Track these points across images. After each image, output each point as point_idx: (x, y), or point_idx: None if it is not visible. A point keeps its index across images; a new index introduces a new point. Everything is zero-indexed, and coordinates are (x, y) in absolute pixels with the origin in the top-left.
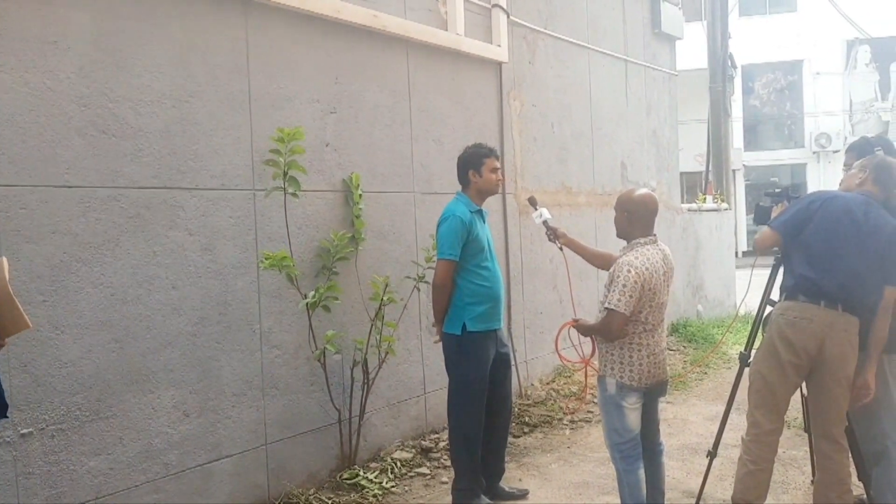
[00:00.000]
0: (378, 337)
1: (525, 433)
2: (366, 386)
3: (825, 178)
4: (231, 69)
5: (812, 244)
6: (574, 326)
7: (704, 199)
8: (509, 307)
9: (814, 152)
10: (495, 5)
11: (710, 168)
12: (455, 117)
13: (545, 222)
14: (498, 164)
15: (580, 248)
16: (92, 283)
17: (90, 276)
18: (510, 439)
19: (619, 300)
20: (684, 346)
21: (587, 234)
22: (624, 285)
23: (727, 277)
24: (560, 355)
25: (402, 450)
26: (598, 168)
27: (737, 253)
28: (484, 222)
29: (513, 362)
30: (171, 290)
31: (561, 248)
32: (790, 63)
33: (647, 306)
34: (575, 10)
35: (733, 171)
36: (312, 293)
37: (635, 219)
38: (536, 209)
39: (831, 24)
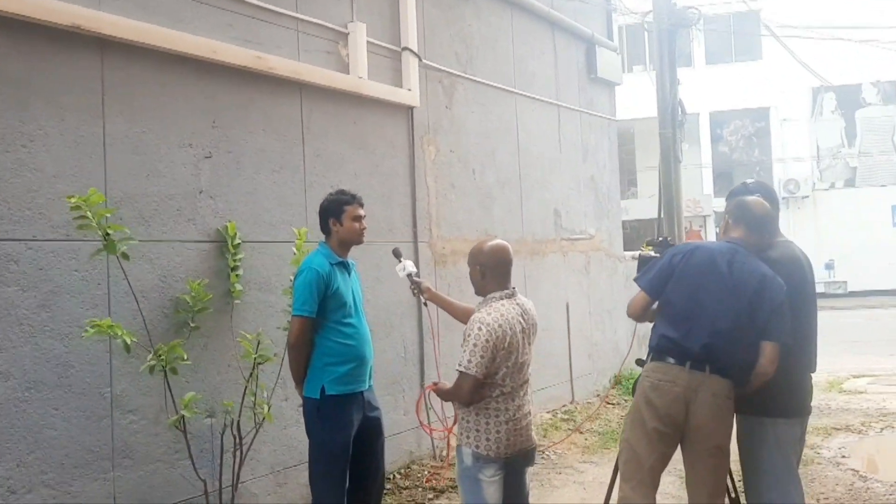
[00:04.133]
0: (253, 399)
1: (431, 499)
2: (239, 453)
3: (795, 223)
4: (81, 111)
5: (674, 301)
6: (434, 390)
7: (650, 248)
8: (422, 362)
9: (783, 198)
10: (405, 48)
11: (662, 215)
12: (357, 163)
13: (409, 275)
14: (361, 212)
15: (446, 303)
16: None
17: None
18: None
19: (469, 361)
20: (625, 400)
21: (515, 284)
22: (475, 345)
23: None
24: (421, 423)
25: None
26: (528, 215)
27: None
28: (349, 275)
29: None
30: None
31: (425, 304)
32: (757, 110)
33: (504, 367)
34: (498, 54)
35: (704, 217)
36: (150, 356)
37: (488, 272)
38: (400, 261)
39: (797, 72)
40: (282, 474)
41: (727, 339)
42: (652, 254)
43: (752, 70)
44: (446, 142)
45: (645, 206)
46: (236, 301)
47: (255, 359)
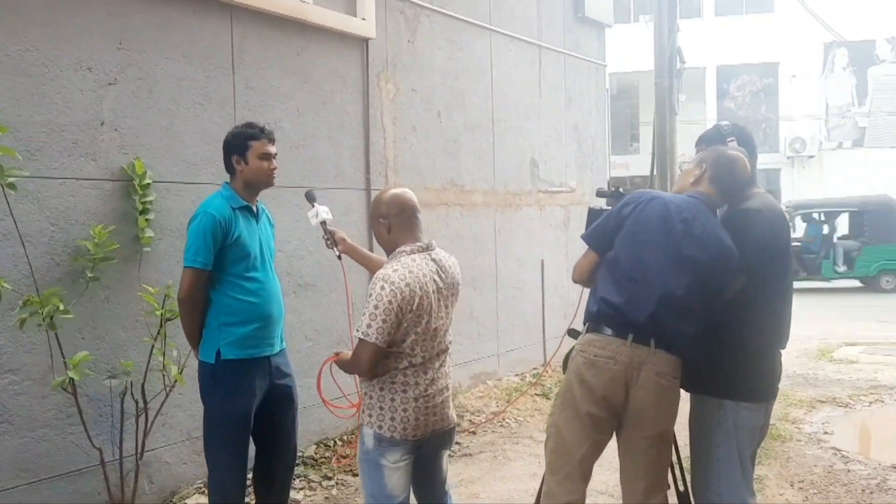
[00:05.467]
0: (162, 359)
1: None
2: (144, 418)
3: (800, 183)
4: None
5: (619, 260)
6: (335, 361)
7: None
8: None
9: (788, 157)
10: None
11: (655, 171)
12: (300, 98)
13: (323, 223)
14: (271, 149)
15: (363, 257)
16: None
17: None
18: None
19: (368, 327)
20: None
21: (484, 238)
22: (375, 307)
23: None
24: (324, 399)
25: (203, 493)
26: (501, 164)
27: None
28: (257, 221)
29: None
30: None
31: (339, 257)
32: (766, 65)
33: (412, 333)
34: None
35: None
36: (18, 308)
37: (394, 224)
38: (313, 206)
39: (809, 26)
40: (199, 441)
41: (677, 308)
42: (604, 206)
43: (763, 23)
44: (407, 80)
45: (647, 162)
46: (146, 249)
47: (161, 314)
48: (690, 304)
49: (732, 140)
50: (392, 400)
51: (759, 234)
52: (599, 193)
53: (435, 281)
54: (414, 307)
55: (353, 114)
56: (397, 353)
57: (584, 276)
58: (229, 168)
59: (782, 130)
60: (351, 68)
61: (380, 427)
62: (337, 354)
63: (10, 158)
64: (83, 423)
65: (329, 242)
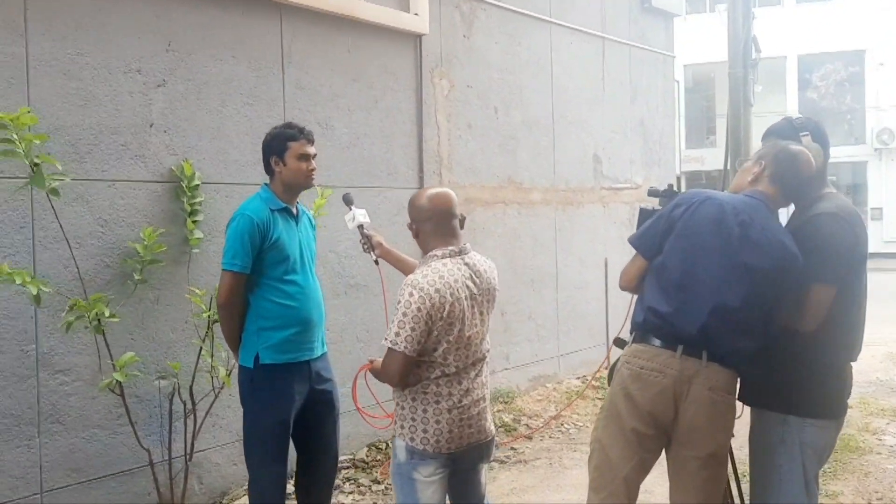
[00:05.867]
0: (210, 361)
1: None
2: (193, 419)
3: (888, 177)
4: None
5: (669, 265)
6: (370, 370)
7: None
8: None
9: (875, 149)
10: None
11: (729, 166)
12: (351, 97)
13: (360, 227)
14: (310, 150)
15: (400, 263)
16: None
17: None
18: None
19: (397, 335)
20: None
21: (543, 236)
22: (404, 314)
23: None
24: (358, 408)
25: None
26: (562, 160)
27: None
28: (296, 223)
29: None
30: None
31: (377, 262)
32: (851, 53)
33: (444, 341)
34: None
35: None
36: (66, 311)
37: (428, 227)
38: (350, 209)
39: None
40: None
41: (732, 321)
42: (656, 207)
43: (848, 9)
44: (463, 75)
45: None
46: (195, 250)
47: (208, 316)
48: (747, 317)
49: (807, 135)
50: (424, 411)
51: (841, 242)
52: (651, 193)
53: (468, 286)
54: (444, 314)
55: (405, 111)
56: (429, 362)
57: (632, 283)
58: (268, 169)
59: (869, 121)
60: (403, 65)
61: (412, 439)
62: (371, 362)
63: (50, 165)
64: (131, 423)
65: (366, 247)
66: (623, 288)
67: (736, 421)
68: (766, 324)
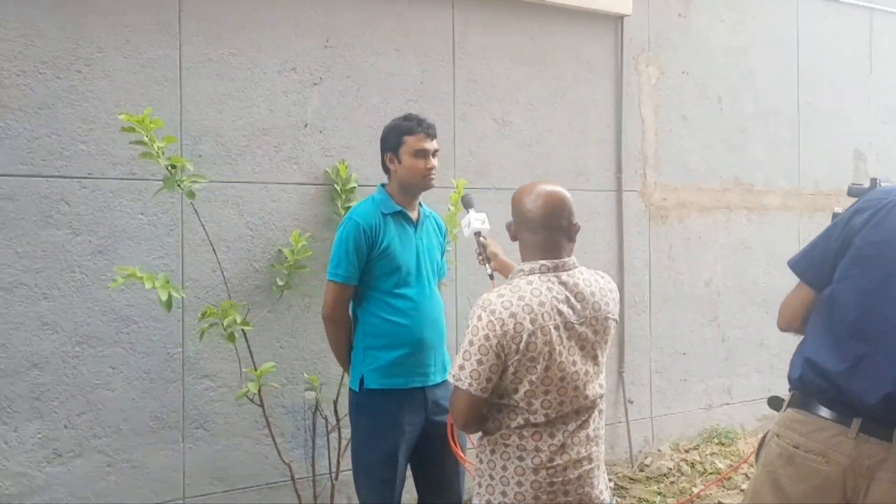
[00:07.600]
0: None
1: None
2: (338, 433)
3: None
4: (150, 30)
5: (841, 301)
6: None
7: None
8: (621, 344)
9: None
10: None
11: None
12: (533, 90)
13: (477, 234)
14: (429, 145)
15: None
16: None
17: None
18: None
19: (461, 368)
20: None
21: (780, 248)
22: (470, 342)
23: None
24: (457, 452)
25: None
26: (808, 157)
27: None
28: (415, 230)
29: None
30: (41, 301)
31: (491, 276)
32: None
33: (526, 381)
34: None
35: None
36: (199, 318)
37: (525, 232)
38: (468, 212)
39: None
40: None
41: None
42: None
43: None
44: (676, 61)
45: None
46: None
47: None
48: None
49: None
50: (504, 468)
51: None
52: (852, 191)
53: (560, 312)
54: (521, 346)
55: (600, 103)
56: (510, 406)
57: (797, 322)
58: (385, 168)
59: None
60: (600, 51)
61: (489, 501)
62: None
63: (186, 167)
64: (272, 435)
65: (481, 258)
66: (783, 328)
67: None
68: None
